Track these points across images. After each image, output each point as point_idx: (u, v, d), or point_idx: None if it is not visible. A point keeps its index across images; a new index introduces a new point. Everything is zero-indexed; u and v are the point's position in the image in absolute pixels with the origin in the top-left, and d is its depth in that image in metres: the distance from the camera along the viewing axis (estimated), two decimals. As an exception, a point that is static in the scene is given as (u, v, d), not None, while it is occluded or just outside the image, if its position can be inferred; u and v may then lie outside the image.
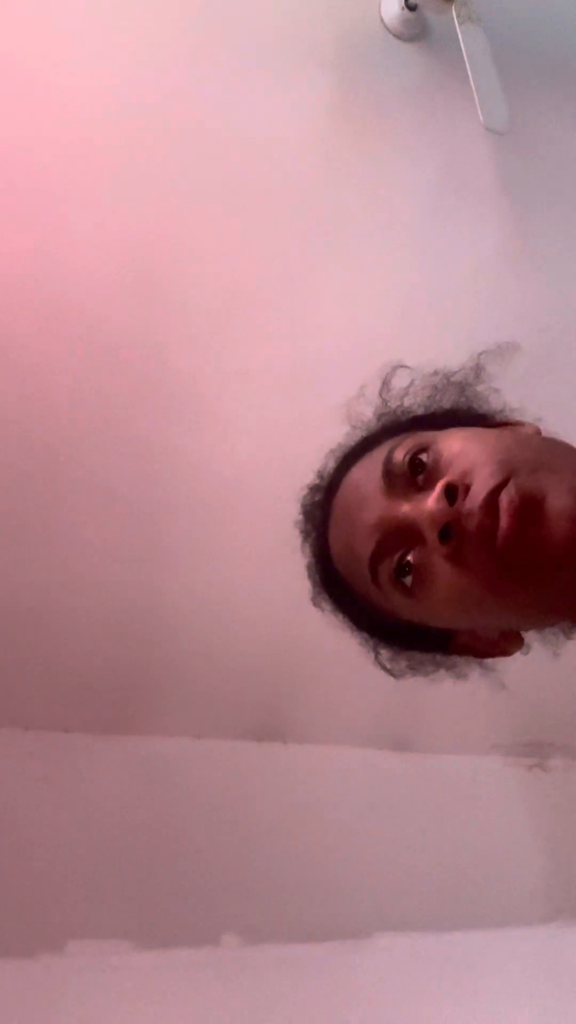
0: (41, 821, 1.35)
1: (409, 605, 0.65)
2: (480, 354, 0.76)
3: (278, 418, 1.50)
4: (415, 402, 0.75)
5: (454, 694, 0.79)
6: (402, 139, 1.60)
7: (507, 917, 1.50)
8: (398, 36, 1.59)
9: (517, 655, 0.71)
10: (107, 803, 1.40)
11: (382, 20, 1.58)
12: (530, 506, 0.57)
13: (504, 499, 0.57)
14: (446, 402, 0.75)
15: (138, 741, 1.49)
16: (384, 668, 0.75)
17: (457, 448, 0.63)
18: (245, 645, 1.54)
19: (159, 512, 1.49)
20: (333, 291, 1.55)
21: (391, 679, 0.76)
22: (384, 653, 0.75)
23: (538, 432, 0.70)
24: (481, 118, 1.47)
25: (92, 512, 1.45)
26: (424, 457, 0.64)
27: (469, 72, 1.45)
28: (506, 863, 1.61)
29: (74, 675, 1.47)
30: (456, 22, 1.47)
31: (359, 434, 0.74)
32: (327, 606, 0.75)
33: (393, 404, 0.75)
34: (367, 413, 0.75)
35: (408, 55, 1.60)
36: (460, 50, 1.46)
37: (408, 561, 0.63)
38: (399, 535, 0.63)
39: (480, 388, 0.76)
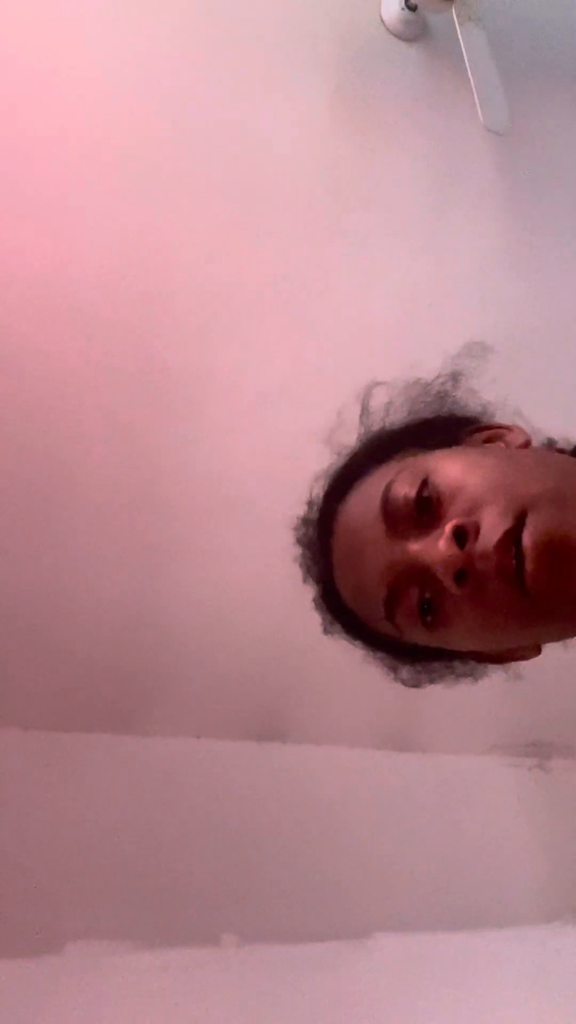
0: (41, 821, 1.35)
1: (429, 638, 0.65)
2: (454, 358, 0.75)
3: (278, 421, 1.50)
4: (396, 418, 0.74)
5: (454, 694, 0.79)
6: (402, 139, 1.60)
7: (507, 917, 1.50)
8: (398, 36, 1.59)
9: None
10: (107, 803, 1.40)
11: (382, 20, 1.58)
12: (555, 544, 0.56)
13: (528, 541, 0.56)
14: (427, 412, 0.74)
15: (138, 741, 1.48)
16: (404, 683, 0.75)
17: (456, 479, 0.62)
18: (245, 645, 1.54)
19: (159, 513, 1.49)
20: (334, 292, 1.55)
21: (391, 680, 0.75)
22: (404, 671, 0.75)
23: (527, 440, 0.69)
24: (481, 118, 1.47)
25: (93, 513, 1.45)
26: (425, 492, 0.62)
27: (469, 72, 1.45)
28: (506, 863, 1.61)
29: (74, 675, 1.47)
30: (456, 22, 1.47)
31: (344, 462, 0.73)
32: (341, 636, 0.74)
33: (375, 426, 0.74)
34: (350, 439, 0.74)
35: (408, 55, 1.60)
36: (460, 50, 1.46)
37: (428, 599, 0.62)
38: (410, 577, 0.62)
39: (459, 394, 0.75)
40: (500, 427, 0.72)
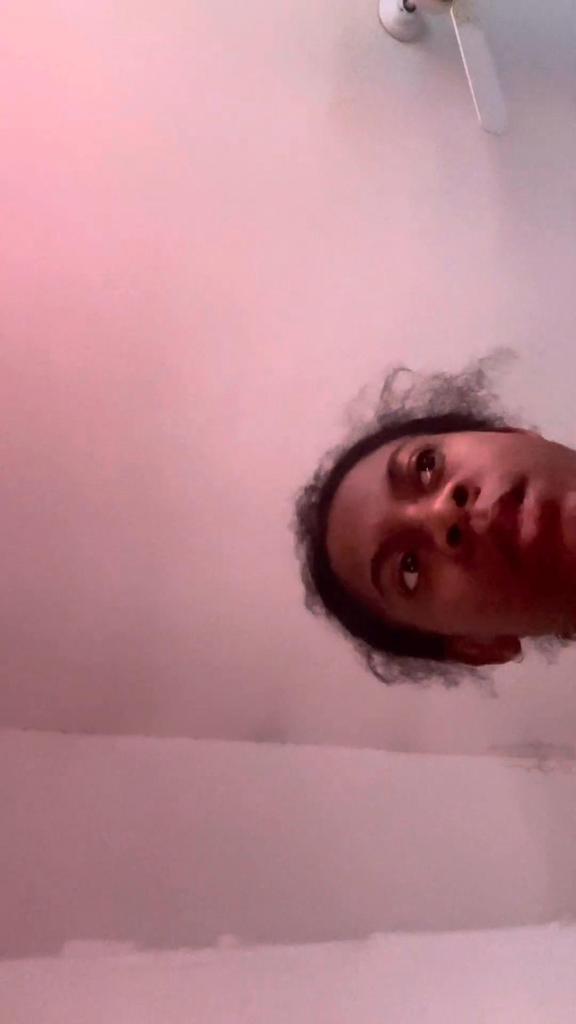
0: (40, 821, 1.35)
1: (410, 608, 0.64)
2: (481, 359, 0.76)
3: (278, 422, 1.50)
4: (416, 405, 0.75)
5: (453, 695, 0.79)
6: (401, 140, 1.60)
7: (507, 917, 1.50)
8: (396, 37, 1.59)
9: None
10: (106, 803, 1.40)
11: (380, 21, 1.59)
12: (551, 510, 0.56)
13: (527, 502, 0.56)
14: (447, 406, 0.75)
15: (138, 741, 1.48)
16: (376, 674, 0.75)
17: (464, 451, 0.62)
18: (244, 645, 1.54)
19: (159, 513, 1.49)
20: (334, 292, 1.55)
21: (364, 668, 0.75)
22: (377, 658, 0.74)
23: (540, 437, 0.69)
24: (479, 119, 1.47)
25: (92, 514, 1.45)
26: (432, 456, 0.63)
27: (467, 73, 1.45)
28: (506, 863, 1.61)
29: (73, 675, 1.47)
30: (454, 23, 1.47)
31: (358, 435, 0.74)
32: (320, 610, 0.74)
33: (394, 406, 0.75)
34: (367, 414, 0.75)
35: (406, 56, 1.60)
36: (458, 51, 1.46)
37: (414, 557, 0.62)
38: (404, 537, 0.62)
39: (480, 394, 0.75)
40: (515, 431, 0.72)
